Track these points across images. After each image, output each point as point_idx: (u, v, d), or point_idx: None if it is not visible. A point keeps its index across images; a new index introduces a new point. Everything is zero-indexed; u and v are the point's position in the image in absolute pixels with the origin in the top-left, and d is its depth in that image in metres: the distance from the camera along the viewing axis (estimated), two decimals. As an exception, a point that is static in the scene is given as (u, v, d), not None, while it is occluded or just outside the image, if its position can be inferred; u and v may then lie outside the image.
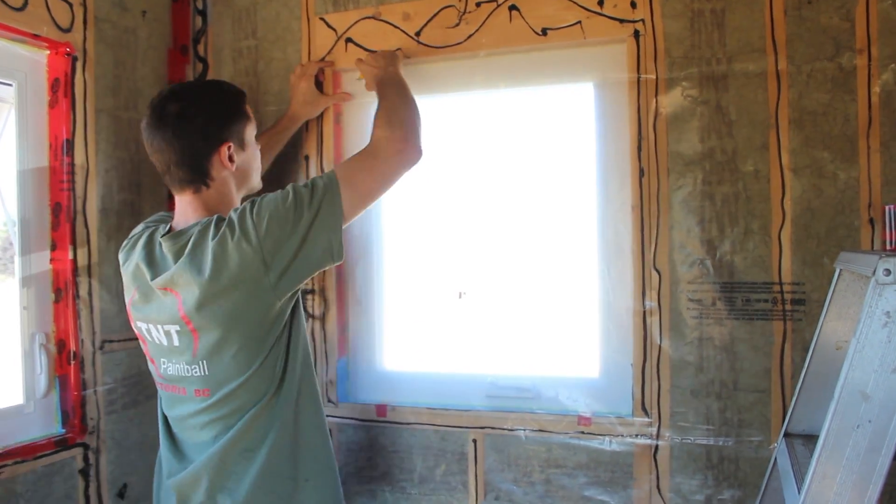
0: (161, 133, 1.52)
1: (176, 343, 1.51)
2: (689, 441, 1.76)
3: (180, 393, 1.56)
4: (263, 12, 2.13)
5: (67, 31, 1.78)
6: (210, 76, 2.18)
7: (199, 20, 2.20)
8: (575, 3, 1.81)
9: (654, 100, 1.77)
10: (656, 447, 1.78)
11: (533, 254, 1.92)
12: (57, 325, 1.80)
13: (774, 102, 1.68)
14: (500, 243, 1.82)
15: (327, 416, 1.84)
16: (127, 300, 1.63)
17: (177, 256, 1.48)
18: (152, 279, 1.51)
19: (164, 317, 1.51)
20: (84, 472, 1.82)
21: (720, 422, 1.74)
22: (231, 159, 1.55)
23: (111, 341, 1.90)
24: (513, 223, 1.64)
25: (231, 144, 1.55)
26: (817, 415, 1.46)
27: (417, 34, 1.95)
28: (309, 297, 2.07)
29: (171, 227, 1.59)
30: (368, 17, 2.00)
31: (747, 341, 1.71)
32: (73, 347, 1.80)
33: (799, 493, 1.12)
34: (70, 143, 1.79)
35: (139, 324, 1.59)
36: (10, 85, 1.74)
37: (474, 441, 1.92)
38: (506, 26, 1.87)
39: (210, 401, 1.51)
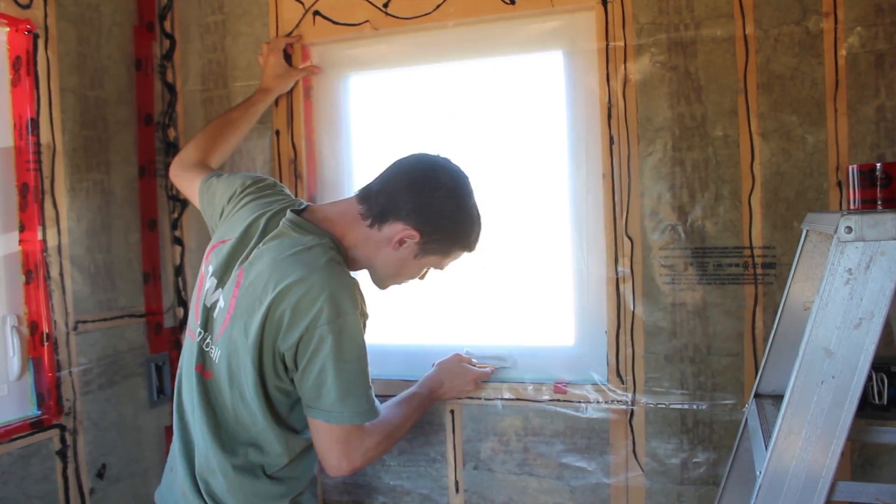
0: (395, 175, 1.54)
1: (215, 315, 1.50)
2: (663, 406, 1.78)
3: (191, 338, 1.55)
4: (230, -14, 2.10)
5: (27, 7, 1.74)
6: (178, 52, 2.15)
7: (164, -4, 2.16)
8: (543, -30, 1.79)
9: (623, 67, 1.76)
10: (632, 413, 1.80)
11: (505, 224, 1.91)
12: (29, 307, 1.78)
13: (743, 67, 1.68)
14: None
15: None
16: (217, 239, 1.60)
17: (276, 237, 1.47)
18: (250, 251, 1.49)
19: (227, 284, 1.50)
20: (61, 454, 1.81)
21: (694, 386, 1.75)
22: (401, 243, 1.51)
23: (85, 322, 1.89)
24: (484, 193, 1.63)
25: (419, 239, 1.50)
26: (786, 375, 1.47)
27: (385, 6, 1.93)
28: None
29: (307, 207, 1.58)
30: (336, -11, 1.98)
31: (719, 306, 1.73)
32: (45, 329, 1.78)
33: (766, 449, 1.13)
34: (35, 123, 1.77)
35: (210, 266, 1.57)
36: (-31, 63, 1.71)
37: (452, 412, 1.93)
38: (474, -5, 1.85)
39: (209, 383, 1.51)
